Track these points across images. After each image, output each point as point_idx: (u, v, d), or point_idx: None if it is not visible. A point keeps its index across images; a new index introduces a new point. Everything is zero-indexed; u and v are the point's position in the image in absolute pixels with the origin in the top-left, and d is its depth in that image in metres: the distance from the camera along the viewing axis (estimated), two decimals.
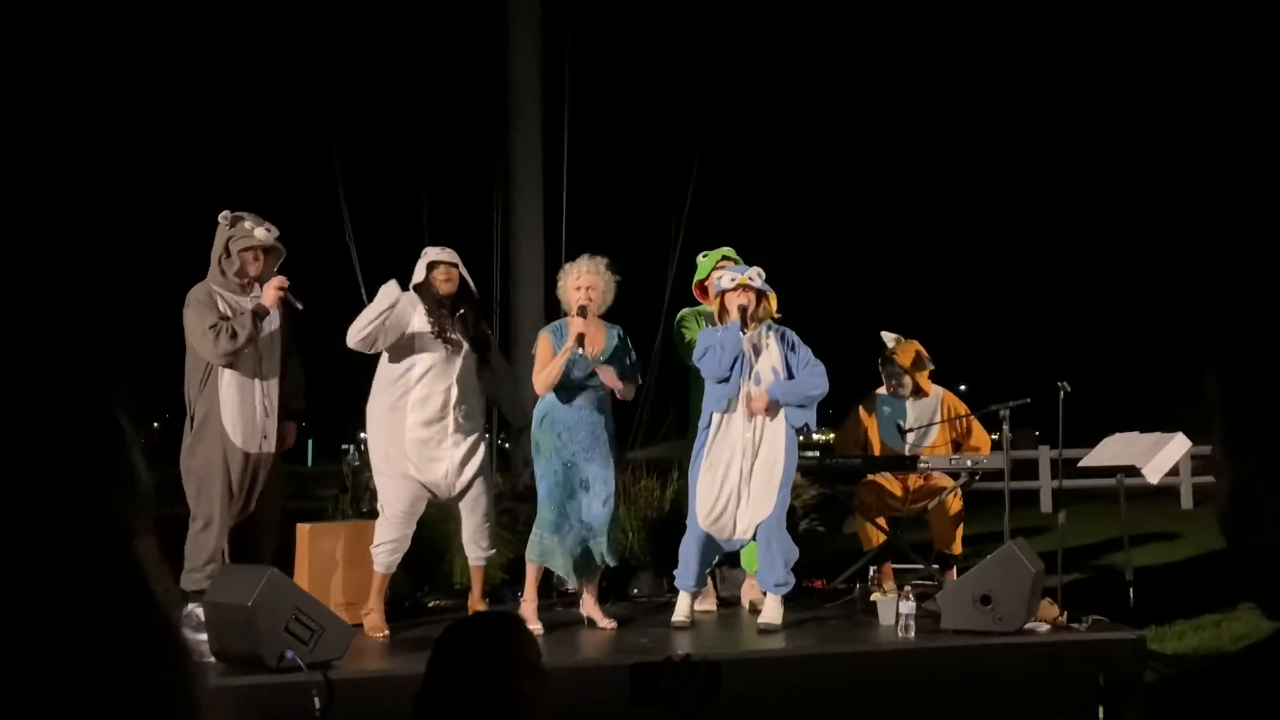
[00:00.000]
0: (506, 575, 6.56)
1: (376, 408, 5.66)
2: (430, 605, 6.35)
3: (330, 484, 7.26)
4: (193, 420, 5.54)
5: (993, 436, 6.99)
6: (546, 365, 5.58)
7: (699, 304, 6.51)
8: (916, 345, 6.86)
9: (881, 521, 6.71)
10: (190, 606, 5.45)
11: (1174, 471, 9.45)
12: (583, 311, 5.53)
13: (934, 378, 6.91)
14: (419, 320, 5.56)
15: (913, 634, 5.25)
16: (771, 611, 5.59)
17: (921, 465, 6.55)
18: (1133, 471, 6.00)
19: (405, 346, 5.56)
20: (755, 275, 5.64)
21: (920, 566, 6.80)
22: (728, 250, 6.37)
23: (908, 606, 5.29)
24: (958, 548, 6.74)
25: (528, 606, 5.59)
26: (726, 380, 5.60)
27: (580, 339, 5.46)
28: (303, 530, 5.92)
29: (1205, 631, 6.04)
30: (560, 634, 5.54)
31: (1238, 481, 0.93)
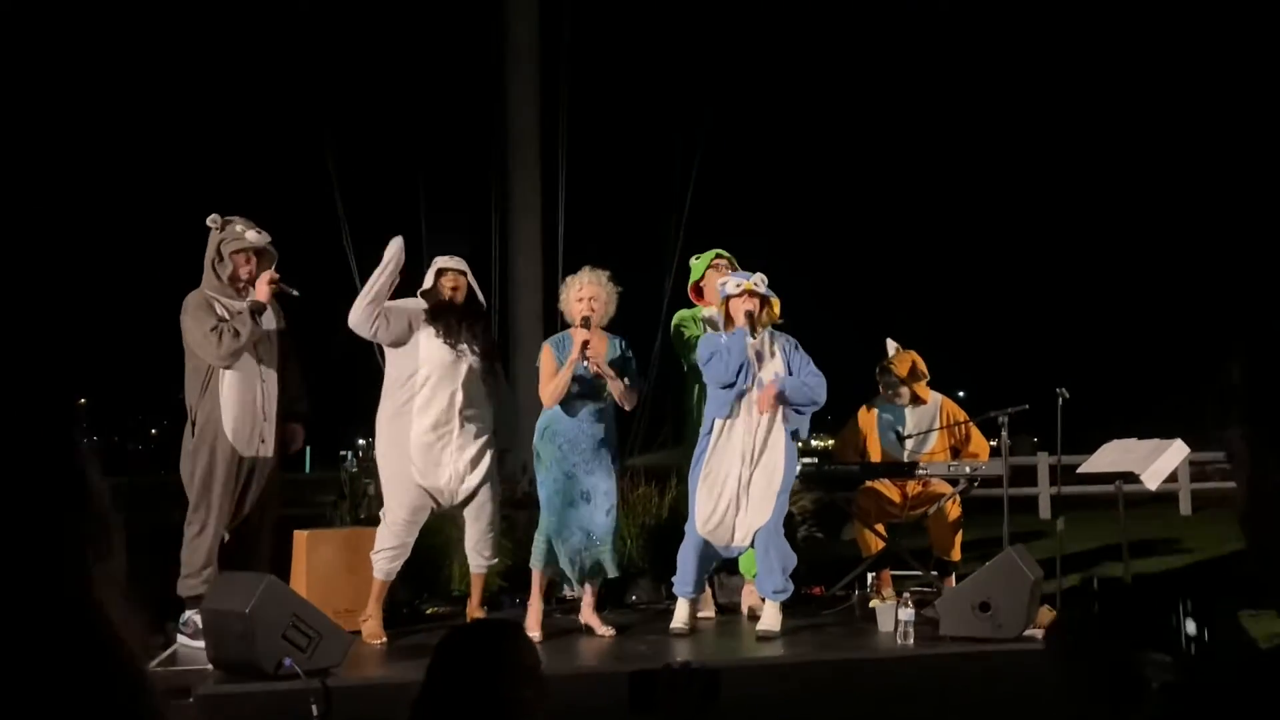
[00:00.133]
0: (505, 583, 6.55)
1: (383, 414, 5.66)
2: (429, 612, 6.34)
3: (328, 490, 7.26)
4: (194, 425, 5.54)
5: (991, 443, 6.99)
6: (552, 378, 5.58)
7: (695, 306, 6.52)
8: (914, 355, 6.86)
9: (880, 528, 6.70)
10: (188, 613, 5.44)
11: (1172, 478, 9.44)
12: (585, 323, 5.53)
13: (932, 384, 6.91)
14: (425, 325, 5.57)
15: (911, 641, 5.25)
16: (770, 618, 5.59)
17: (920, 472, 6.55)
18: (1131, 478, 6.00)
19: (411, 351, 5.57)
20: (759, 281, 5.64)
21: (919, 573, 6.79)
22: (720, 251, 6.38)
23: (906, 613, 5.29)
24: (956, 554, 6.73)
25: (532, 612, 5.59)
26: (732, 386, 5.59)
27: (584, 347, 5.46)
28: (300, 537, 5.91)
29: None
30: (558, 641, 5.53)
31: (1258, 477, 0.92)
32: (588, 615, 5.73)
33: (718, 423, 5.64)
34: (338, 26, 9.93)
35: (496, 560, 5.90)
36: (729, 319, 5.68)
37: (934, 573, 6.74)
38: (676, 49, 10.62)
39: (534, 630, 5.50)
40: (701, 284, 6.45)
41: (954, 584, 6.27)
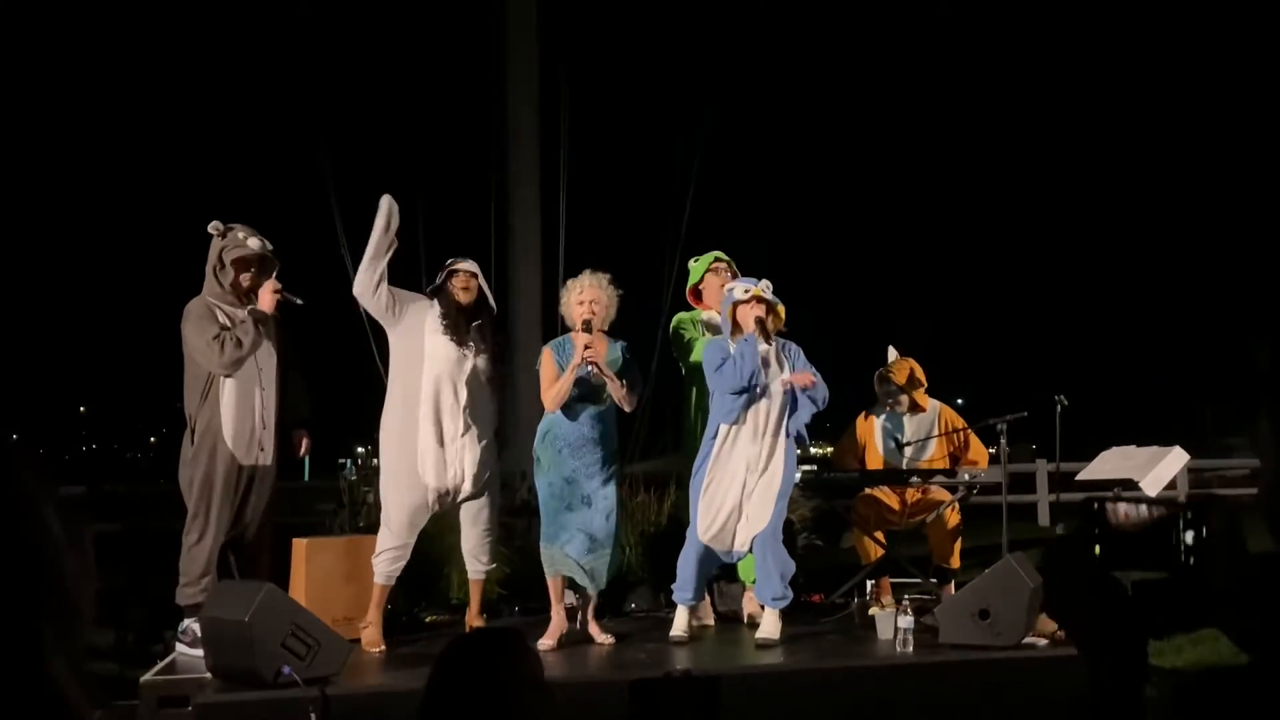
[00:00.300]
0: (504, 590, 6.54)
1: (387, 411, 5.69)
2: (427, 620, 6.33)
3: (327, 498, 7.25)
4: (193, 433, 5.54)
5: (990, 450, 6.99)
6: (553, 382, 5.58)
7: (693, 309, 6.52)
8: (912, 363, 6.86)
9: (879, 535, 6.70)
10: (186, 621, 5.44)
11: (1172, 485, 9.45)
12: (587, 326, 5.54)
13: (931, 392, 6.91)
14: (433, 322, 5.58)
15: (911, 648, 5.24)
16: (769, 626, 5.58)
17: (919, 479, 6.55)
18: (1130, 485, 6.00)
19: (418, 348, 5.59)
20: (766, 286, 5.64)
21: (918, 581, 6.78)
22: (719, 254, 6.38)
23: (906, 621, 5.28)
24: (956, 562, 6.73)
25: (553, 622, 5.58)
26: (743, 392, 5.57)
27: (585, 349, 5.47)
28: (300, 545, 5.90)
29: (1204, 646, 6.02)
30: (558, 650, 5.52)
31: None
32: (586, 623, 5.73)
33: (723, 428, 5.62)
34: (336, 33, 9.94)
35: (494, 566, 5.89)
36: (736, 325, 5.67)
37: (933, 580, 6.73)
38: (676, 52, 10.64)
39: (550, 640, 5.50)
40: (700, 287, 6.45)
41: (953, 591, 6.26)
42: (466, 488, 5.61)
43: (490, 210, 8.97)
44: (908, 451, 6.80)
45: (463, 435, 5.59)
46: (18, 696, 0.79)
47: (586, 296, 5.63)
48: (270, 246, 5.70)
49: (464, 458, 5.59)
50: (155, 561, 5.80)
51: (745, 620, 6.18)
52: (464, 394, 5.58)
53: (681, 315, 6.56)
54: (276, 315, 5.69)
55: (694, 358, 6.33)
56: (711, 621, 6.21)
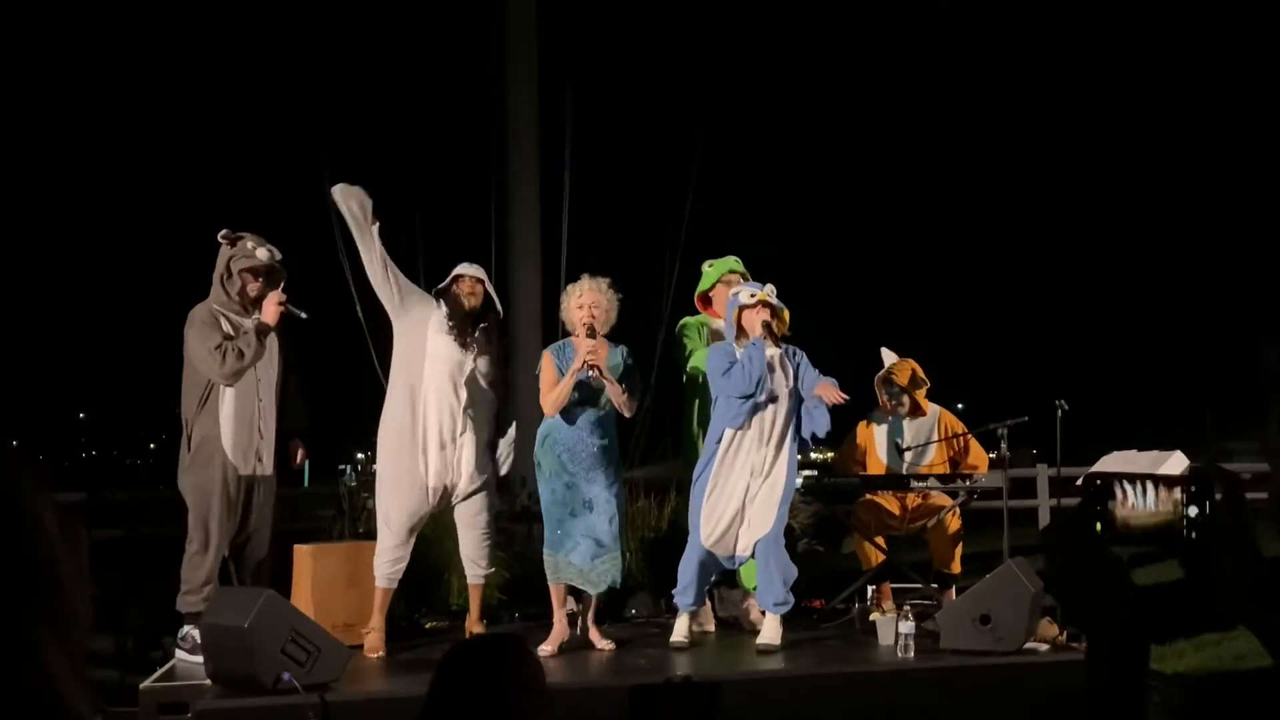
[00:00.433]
0: (503, 596, 6.53)
1: (388, 410, 5.69)
2: (427, 626, 6.32)
3: (327, 505, 7.25)
4: (189, 441, 5.53)
5: (990, 455, 6.98)
6: (553, 386, 5.58)
7: (699, 313, 6.50)
8: (913, 363, 6.85)
9: (880, 541, 6.69)
10: (186, 628, 5.43)
11: None
12: (591, 332, 5.52)
13: (931, 396, 6.91)
14: (438, 323, 5.58)
15: (912, 654, 5.23)
16: (770, 631, 5.57)
17: (919, 484, 6.53)
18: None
19: (420, 348, 5.59)
20: (771, 291, 5.63)
21: (919, 586, 6.77)
22: (735, 263, 6.32)
23: (907, 626, 5.27)
24: (956, 567, 6.72)
25: (554, 629, 5.57)
26: (750, 397, 5.55)
27: (589, 355, 5.46)
28: (300, 551, 5.90)
29: (1206, 651, 6.01)
30: (559, 656, 5.50)
31: None
32: (587, 629, 5.72)
33: (728, 433, 5.59)
34: (336, 36, 9.96)
35: (493, 570, 5.89)
36: (741, 329, 5.66)
37: (934, 585, 6.72)
38: (677, 56, 10.65)
39: (550, 646, 5.49)
40: (711, 294, 6.42)
41: (954, 597, 6.25)
42: (463, 486, 5.61)
43: (490, 212, 8.97)
44: (908, 456, 6.78)
45: (461, 435, 5.59)
46: (15, 697, 0.79)
47: (586, 300, 5.63)
48: (279, 257, 5.68)
49: (462, 457, 5.59)
50: (155, 568, 5.80)
51: (746, 626, 6.17)
52: (464, 395, 5.59)
53: (689, 320, 6.53)
54: (279, 326, 5.68)
55: (693, 363, 6.33)
56: (712, 627, 6.20)
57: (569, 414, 5.59)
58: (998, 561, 5.66)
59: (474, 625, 5.72)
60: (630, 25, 11.02)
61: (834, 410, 5.58)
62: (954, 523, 6.66)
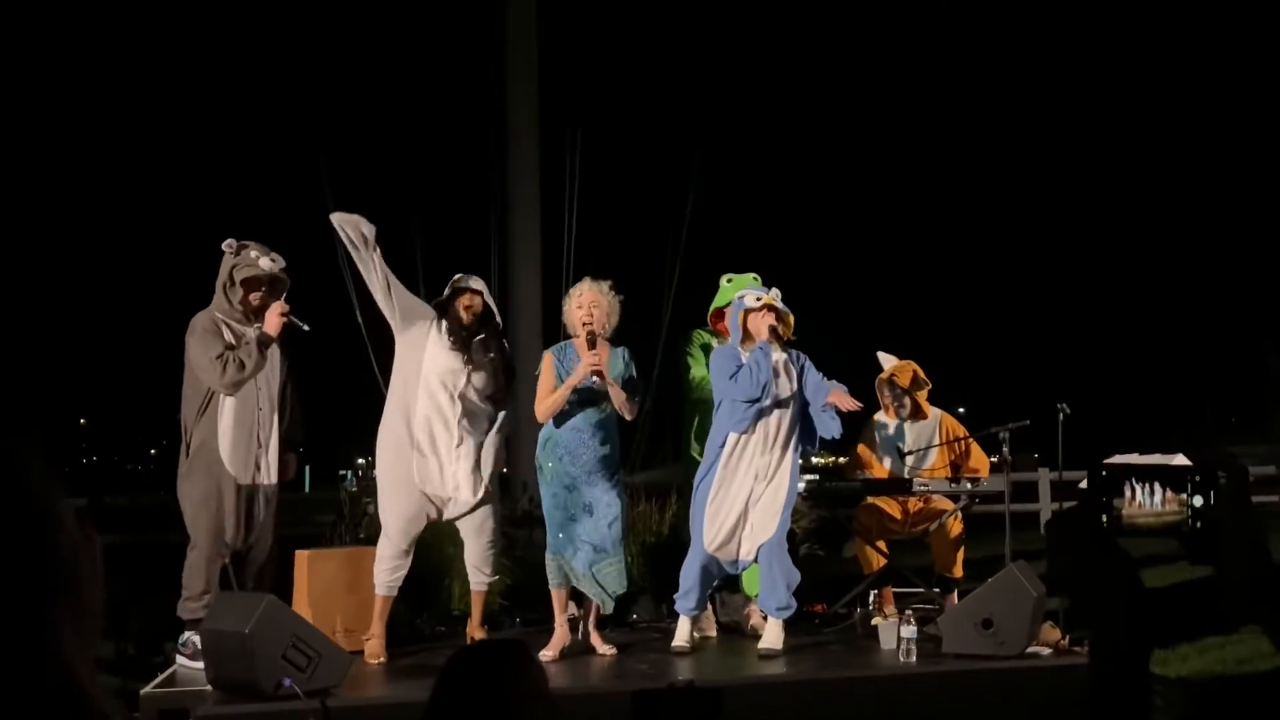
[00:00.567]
0: (505, 601, 6.53)
1: (386, 419, 5.69)
2: (427, 632, 6.30)
3: (327, 510, 7.24)
4: (188, 448, 5.52)
5: (992, 459, 6.97)
6: (550, 390, 5.57)
7: (710, 328, 6.48)
8: (913, 365, 6.85)
9: (882, 545, 6.68)
10: (187, 634, 5.42)
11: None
12: (592, 339, 5.51)
13: (933, 400, 6.90)
14: (436, 335, 5.58)
15: (914, 658, 5.22)
16: (772, 636, 5.56)
17: (921, 488, 6.53)
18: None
19: (418, 358, 5.58)
20: (776, 296, 5.63)
21: (921, 590, 6.76)
22: (754, 281, 6.24)
23: (909, 630, 5.27)
24: (958, 571, 6.71)
25: (555, 634, 5.57)
26: (756, 401, 5.54)
27: (593, 362, 5.45)
28: (301, 557, 5.89)
29: (1209, 655, 6.00)
30: (560, 661, 5.50)
31: None
32: (588, 634, 5.71)
33: (732, 437, 5.59)
34: (336, 39, 9.95)
35: (497, 578, 5.88)
36: (746, 334, 5.65)
37: (936, 590, 6.71)
38: (677, 59, 10.64)
39: (552, 651, 5.48)
40: (726, 309, 6.34)
41: (956, 601, 6.24)
42: (461, 498, 5.59)
43: (489, 222, 8.97)
44: (909, 460, 6.78)
45: (457, 447, 5.58)
46: (43, 695, 0.78)
47: (585, 301, 5.62)
48: (282, 266, 5.67)
49: (458, 469, 5.58)
50: (156, 573, 5.79)
51: (748, 631, 6.16)
52: (459, 406, 5.58)
53: (701, 334, 6.52)
54: (281, 336, 5.67)
55: (692, 374, 6.35)
56: (713, 632, 6.19)
57: (570, 417, 5.58)
58: (1000, 566, 5.65)
59: (476, 630, 5.71)
60: (630, 26, 11.03)
61: (840, 413, 5.59)
62: (956, 527, 6.66)
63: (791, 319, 5.71)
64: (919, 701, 5.01)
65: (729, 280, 6.39)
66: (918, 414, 6.82)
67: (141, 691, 4.89)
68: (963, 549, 6.72)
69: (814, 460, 8.57)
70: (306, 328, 5.68)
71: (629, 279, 6.10)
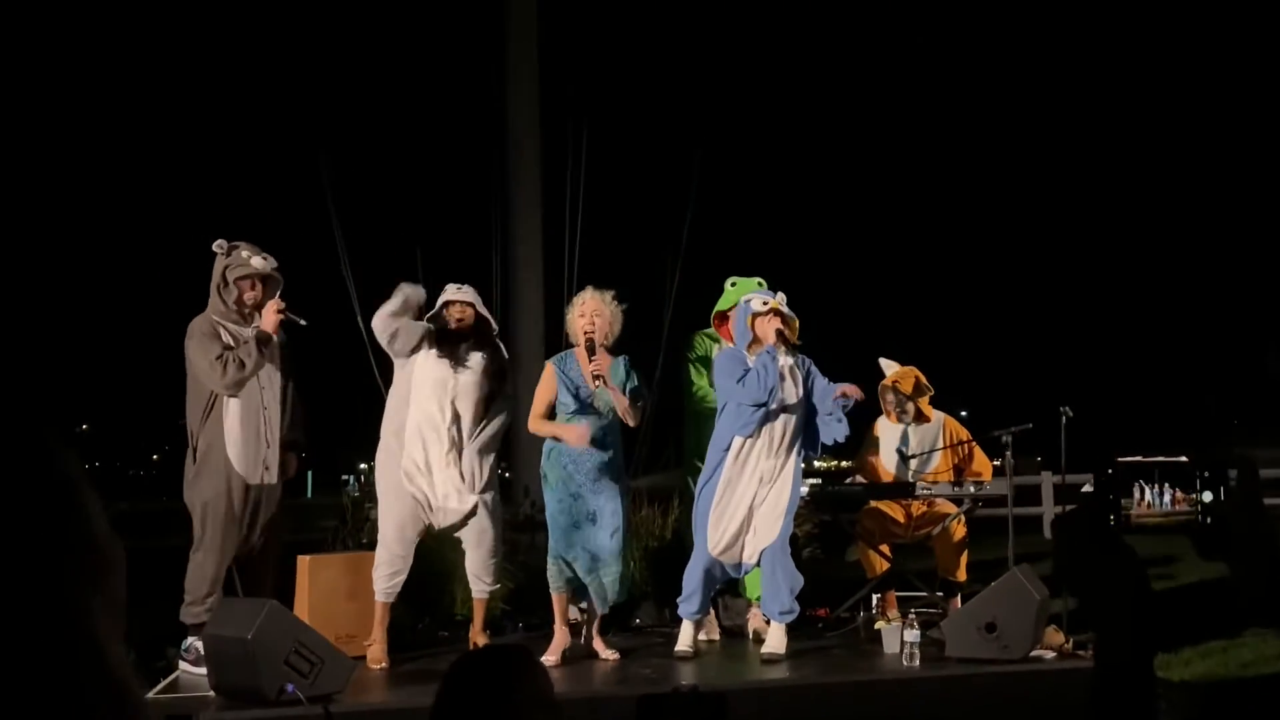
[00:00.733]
0: (507, 606, 6.51)
1: (385, 426, 5.70)
2: (429, 637, 6.29)
3: (329, 515, 7.24)
4: (195, 452, 5.52)
5: (994, 462, 6.96)
6: (546, 402, 5.57)
7: (712, 329, 6.48)
8: (915, 371, 6.85)
9: (885, 549, 6.67)
10: (190, 639, 5.42)
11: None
12: (591, 346, 5.51)
13: (935, 404, 6.90)
14: (430, 345, 5.59)
15: (917, 662, 5.21)
16: (775, 640, 5.55)
17: (924, 492, 6.52)
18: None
19: (410, 370, 5.60)
20: (782, 300, 5.62)
21: (924, 594, 6.75)
22: (759, 286, 6.25)
23: (912, 634, 5.26)
24: (962, 575, 6.69)
25: (555, 638, 5.56)
26: (763, 405, 5.53)
27: (593, 369, 5.44)
28: (303, 562, 5.88)
29: (1212, 658, 5.99)
30: (562, 665, 5.49)
31: None
32: (591, 639, 5.70)
33: (737, 441, 5.57)
34: (336, 42, 9.95)
35: (499, 586, 5.87)
36: (754, 338, 5.64)
37: (939, 594, 6.70)
38: (677, 61, 10.64)
39: (553, 655, 5.47)
40: (730, 312, 6.29)
41: (959, 605, 6.23)
42: (451, 506, 5.58)
43: (492, 229, 8.97)
44: (912, 464, 6.77)
45: (448, 453, 5.57)
46: (81, 683, 0.78)
47: (588, 310, 5.62)
48: (275, 264, 5.68)
49: (448, 477, 5.57)
50: (158, 579, 5.78)
51: (750, 635, 6.15)
52: (449, 413, 5.58)
53: (702, 339, 6.52)
54: (280, 334, 5.67)
55: (695, 387, 6.35)
56: (717, 636, 6.19)
57: (572, 423, 5.57)
58: (1003, 569, 5.64)
59: (478, 636, 5.70)
60: (632, 29, 11.03)
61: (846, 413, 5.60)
62: (959, 530, 6.65)
63: (797, 323, 5.71)
64: (922, 705, 5.00)
65: (733, 284, 6.38)
66: (921, 418, 6.82)
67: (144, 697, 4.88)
68: (966, 553, 6.72)
69: (816, 464, 8.56)
70: (304, 322, 5.69)
71: (630, 281, 6.11)
